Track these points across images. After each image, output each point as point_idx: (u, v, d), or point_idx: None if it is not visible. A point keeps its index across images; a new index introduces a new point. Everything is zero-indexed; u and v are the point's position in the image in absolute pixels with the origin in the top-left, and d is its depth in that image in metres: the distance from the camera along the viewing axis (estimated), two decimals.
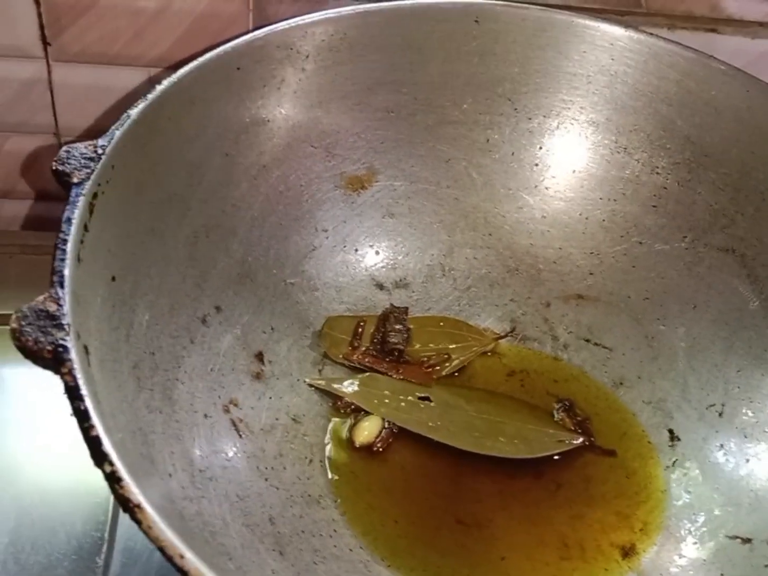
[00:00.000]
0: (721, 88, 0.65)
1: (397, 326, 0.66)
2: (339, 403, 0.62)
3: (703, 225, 0.68)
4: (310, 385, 0.62)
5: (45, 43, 0.69)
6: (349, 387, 0.62)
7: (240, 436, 0.55)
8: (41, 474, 0.61)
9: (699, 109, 0.67)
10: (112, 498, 0.59)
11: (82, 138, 0.75)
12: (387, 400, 0.62)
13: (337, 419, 0.61)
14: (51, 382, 0.64)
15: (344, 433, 0.60)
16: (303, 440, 0.59)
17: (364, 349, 0.65)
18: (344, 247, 0.69)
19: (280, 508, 0.53)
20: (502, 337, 0.68)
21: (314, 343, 0.65)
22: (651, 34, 0.67)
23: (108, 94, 0.73)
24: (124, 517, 0.59)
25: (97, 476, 0.61)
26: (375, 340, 0.66)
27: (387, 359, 0.65)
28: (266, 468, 0.55)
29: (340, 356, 0.65)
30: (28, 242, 0.79)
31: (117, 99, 0.73)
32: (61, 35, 0.68)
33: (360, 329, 0.66)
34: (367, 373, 0.64)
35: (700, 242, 0.67)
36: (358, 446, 0.60)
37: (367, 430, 0.60)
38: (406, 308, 0.68)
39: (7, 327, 0.67)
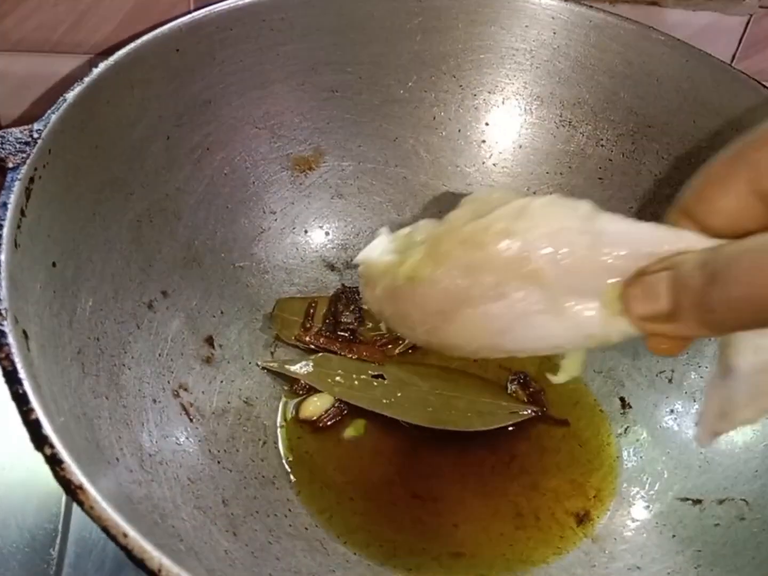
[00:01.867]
0: (662, 59, 0.66)
1: (350, 306, 0.66)
2: (296, 386, 0.62)
3: (648, 195, 0.68)
4: (263, 368, 0.62)
5: None
6: (302, 368, 0.62)
7: (191, 420, 0.55)
8: None
9: (641, 81, 0.67)
10: None
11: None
12: (340, 380, 0.62)
13: (288, 400, 0.61)
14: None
15: (291, 410, 0.60)
16: (256, 422, 0.59)
17: (316, 330, 0.65)
18: (293, 228, 0.68)
19: (234, 490, 0.53)
20: None
21: (265, 325, 0.65)
22: (591, 6, 0.67)
23: (49, 82, 0.72)
24: (77, 509, 0.59)
25: (47, 467, 0.62)
26: (327, 321, 0.66)
27: (340, 339, 0.65)
28: (219, 451, 0.55)
29: (293, 338, 0.64)
30: None
31: (59, 87, 0.72)
32: (0, 23, 0.67)
33: (312, 310, 0.66)
34: (320, 354, 0.64)
35: (645, 212, 0.68)
36: (302, 419, 0.60)
37: (313, 405, 0.60)
38: (358, 288, 0.67)
39: None
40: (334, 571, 0.52)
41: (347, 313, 0.66)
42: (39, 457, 0.60)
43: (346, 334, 0.65)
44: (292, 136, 0.67)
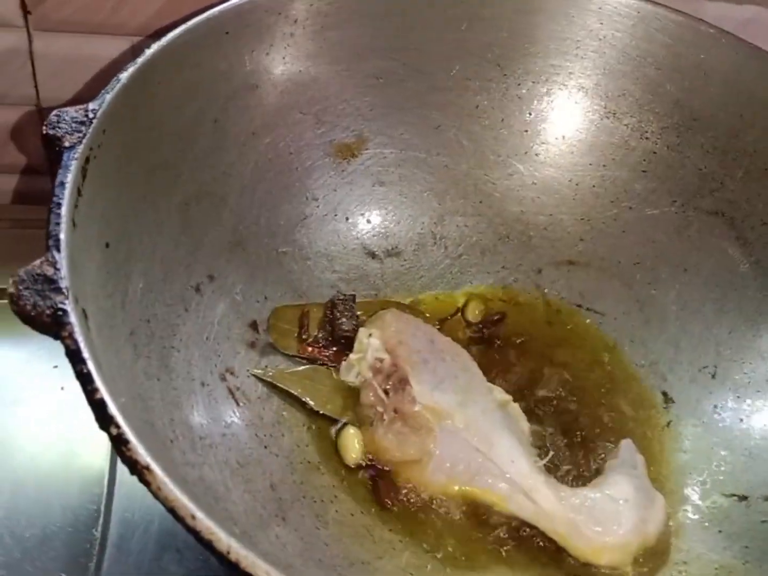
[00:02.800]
0: (710, 51, 0.65)
1: (346, 313, 0.63)
2: None
3: (692, 189, 0.68)
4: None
5: (25, 11, 0.67)
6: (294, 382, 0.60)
7: (237, 404, 0.55)
8: (36, 447, 0.60)
9: (688, 73, 0.67)
10: (107, 470, 0.60)
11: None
12: (330, 394, 0.60)
13: None
14: (42, 356, 0.66)
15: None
16: (300, 407, 0.59)
17: (311, 339, 0.62)
18: (335, 215, 0.68)
19: (281, 475, 0.53)
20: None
21: None
22: None
23: (90, 63, 0.71)
24: (120, 489, 0.59)
25: (91, 448, 0.62)
26: (325, 329, 0.63)
27: (335, 348, 0.62)
28: (265, 435, 0.55)
29: (289, 349, 0.61)
30: (12, 216, 0.78)
31: (99, 69, 0.72)
32: (42, 3, 0.67)
33: (305, 320, 0.63)
34: (309, 366, 0.61)
35: (689, 206, 0.67)
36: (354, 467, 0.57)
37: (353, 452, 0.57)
38: (353, 295, 0.65)
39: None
40: (381, 558, 0.52)
41: (345, 321, 0.63)
42: (81, 438, 0.62)
43: (342, 343, 0.63)
44: (336, 123, 0.67)
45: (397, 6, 0.66)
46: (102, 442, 0.60)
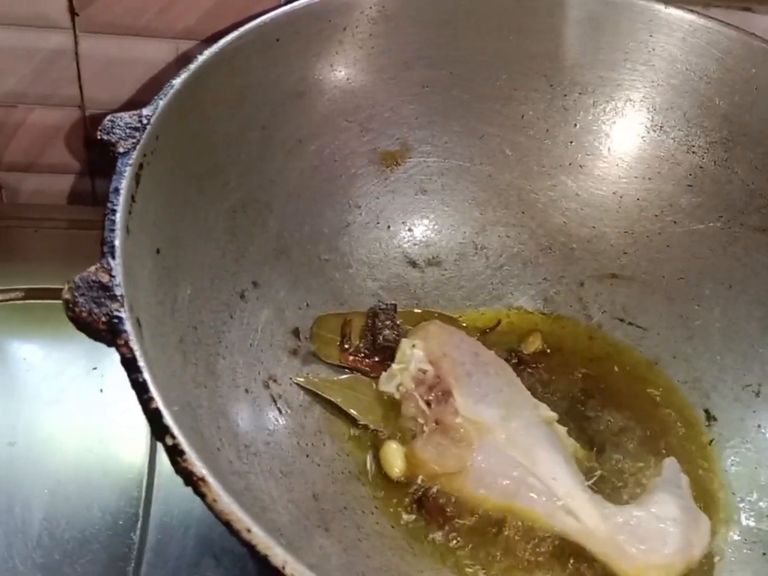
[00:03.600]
0: (762, 66, 0.65)
1: (387, 322, 0.63)
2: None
3: (739, 205, 0.67)
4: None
5: (73, 13, 0.68)
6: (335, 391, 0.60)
7: (280, 411, 0.55)
8: (76, 450, 0.61)
9: (738, 88, 0.66)
10: (146, 473, 0.60)
11: (106, 111, 0.74)
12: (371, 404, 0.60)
13: None
14: (82, 357, 0.66)
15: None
16: (341, 416, 0.58)
17: (353, 348, 0.62)
18: (377, 223, 0.68)
19: (323, 485, 0.53)
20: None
21: None
22: (691, 10, 0.66)
23: (135, 66, 0.71)
24: (158, 493, 0.59)
25: (130, 452, 0.62)
26: (366, 339, 0.63)
27: (377, 358, 0.62)
28: (307, 444, 0.55)
29: (331, 358, 0.61)
30: (51, 216, 0.78)
31: (143, 72, 0.72)
32: (89, 5, 0.67)
33: (348, 329, 0.63)
34: (352, 375, 0.61)
35: (735, 222, 0.67)
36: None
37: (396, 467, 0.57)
38: (395, 305, 0.65)
39: (44, 301, 0.69)
40: (422, 572, 0.51)
41: (386, 330, 0.63)
42: (120, 441, 0.62)
43: (386, 353, 0.62)
44: (381, 131, 0.67)
45: (446, 15, 0.66)
46: (141, 445, 0.61)
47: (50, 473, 0.59)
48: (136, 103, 0.72)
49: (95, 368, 0.65)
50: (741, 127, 0.66)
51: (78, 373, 0.65)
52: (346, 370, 0.61)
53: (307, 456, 0.54)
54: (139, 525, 0.57)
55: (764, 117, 0.65)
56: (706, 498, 0.57)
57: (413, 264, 0.69)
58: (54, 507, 0.58)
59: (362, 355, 0.62)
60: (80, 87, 0.73)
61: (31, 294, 0.70)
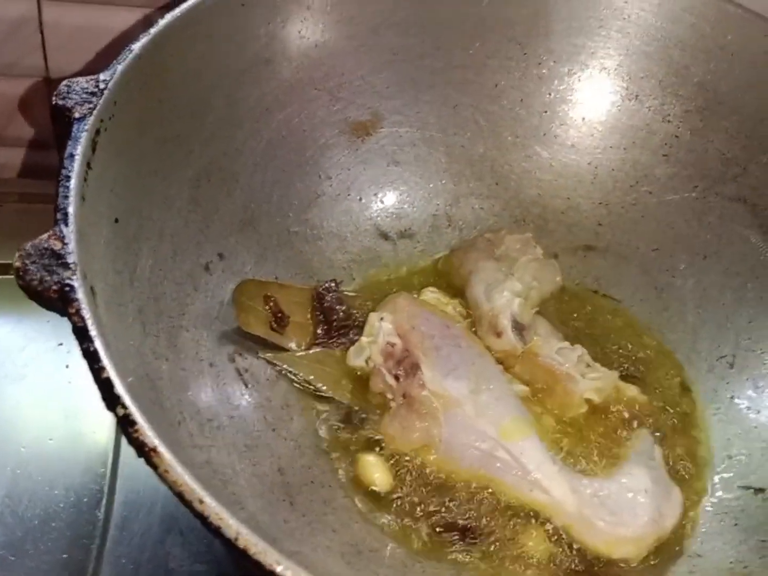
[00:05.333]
0: (738, 32, 0.64)
1: (335, 302, 0.60)
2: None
3: (714, 174, 0.66)
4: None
5: None
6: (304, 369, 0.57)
7: (246, 385, 0.54)
8: (39, 426, 0.60)
9: (714, 55, 0.65)
10: (111, 450, 0.59)
11: None
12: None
13: None
14: (47, 333, 0.65)
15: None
16: (309, 391, 0.57)
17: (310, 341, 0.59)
18: (348, 195, 0.67)
19: (289, 459, 0.52)
20: None
21: None
22: None
23: (100, 34, 0.70)
24: (123, 470, 0.58)
25: (95, 428, 0.61)
26: (319, 321, 0.59)
27: (337, 338, 0.59)
28: (273, 418, 0.53)
29: (251, 327, 0.56)
30: (18, 190, 0.76)
31: (110, 40, 0.70)
32: None
33: (270, 302, 0.58)
34: (320, 349, 0.59)
35: (710, 192, 0.66)
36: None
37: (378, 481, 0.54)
38: (335, 281, 0.61)
39: (7, 276, 0.67)
40: (388, 545, 0.50)
41: (338, 311, 0.60)
42: (84, 417, 0.61)
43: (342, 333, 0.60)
44: (351, 100, 0.65)
45: None
46: (106, 422, 0.60)
47: (14, 450, 0.58)
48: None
49: (61, 344, 0.64)
50: (716, 95, 0.65)
51: (43, 349, 0.64)
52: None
53: (273, 430, 0.53)
54: (103, 502, 0.56)
55: (739, 84, 0.64)
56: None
57: (385, 236, 0.68)
58: (17, 484, 0.57)
59: (324, 340, 0.59)
60: (45, 56, 0.72)
61: None
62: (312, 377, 0.57)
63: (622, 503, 0.51)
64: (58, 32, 0.70)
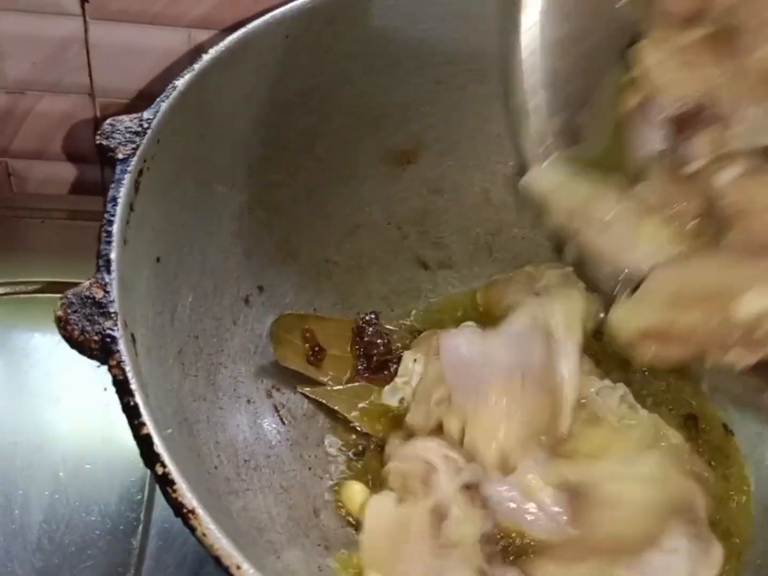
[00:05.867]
0: None
1: (374, 336, 0.60)
2: None
3: None
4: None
5: (83, 0, 0.66)
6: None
7: (283, 422, 0.54)
8: (77, 450, 0.60)
9: None
10: (148, 477, 0.59)
11: (117, 99, 0.73)
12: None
13: None
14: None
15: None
16: (348, 426, 0.57)
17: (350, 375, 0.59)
18: (388, 224, 0.66)
19: (324, 499, 0.52)
20: None
21: None
22: None
23: (146, 54, 0.70)
24: (160, 498, 0.58)
25: (133, 454, 0.61)
26: (359, 355, 0.59)
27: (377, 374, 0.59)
28: (309, 456, 0.53)
29: (287, 361, 0.57)
30: (59, 206, 0.77)
31: (155, 60, 0.70)
32: None
33: (308, 335, 0.59)
34: (358, 384, 0.59)
35: None
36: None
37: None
38: (376, 313, 0.62)
39: (50, 295, 0.68)
40: None
41: (380, 348, 0.59)
42: (122, 443, 0.61)
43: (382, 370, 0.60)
44: (393, 128, 0.65)
45: (464, 4, 0.63)
46: None
47: (51, 474, 0.59)
48: (146, 93, 0.71)
49: (99, 366, 0.64)
50: None
51: (82, 370, 0.64)
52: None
53: (309, 468, 0.53)
54: (139, 530, 0.57)
55: None
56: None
57: (425, 266, 0.67)
58: (54, 510, 0.57)
59: (364, 375, 0.59)
60: (90, 75, 0.72)
61: (37, 288, 0.69)
62: (349, 413, 0.56)
63: (654, 567, 0.49)
64: (103, 51, 0.70)
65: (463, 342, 0.56)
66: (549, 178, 0.47)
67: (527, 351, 0.53)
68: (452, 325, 0.62)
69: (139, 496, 0.58)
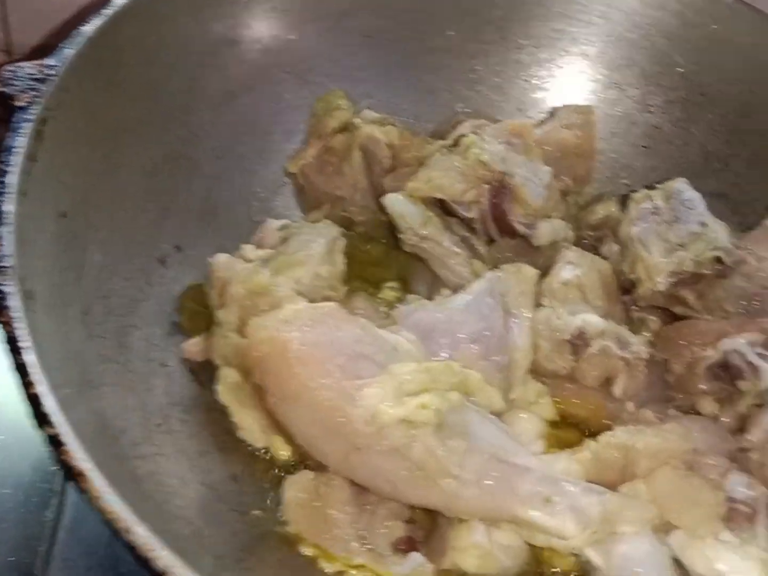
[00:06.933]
0: (724, 22, 0.61)
1: None
2: None
3: (695, 168, 0.64)
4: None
5: None
6: None
7: (202, 385, 0.51)
8: None
9: (698, 45, 0.62)
10: None
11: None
12: None
13: None
14: None
15: None
16: None
17: None
18: None
19: (245, 465, 0.49)
20: None
21: None
22: None
23: (68, 10, 0.67)
24: None
25: None
26: None
27: None
28: (230, 421, 0.51)
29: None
30: None
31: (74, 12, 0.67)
32: None
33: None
34: None
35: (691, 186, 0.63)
36: None
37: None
38: None
39: None
40: None
41: None
42: None
43: None
44: (321, 83, 0.63)
45: None
46: None
47: None
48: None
49: None
50: (700, 86, 0.63)
51: None
52: None
53: (228, 434, 0.50)
54: (54, 503, 0.54)
55: (724, 75, 0.62)
56: None
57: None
58: None
59: None
60: (7, 30, 0.69)
61: None
62: None
63: None
64: (21, 6, 0.67)
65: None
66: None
67: (487, 319, 0.51)
68: None
69: (54, 468, 0.56)
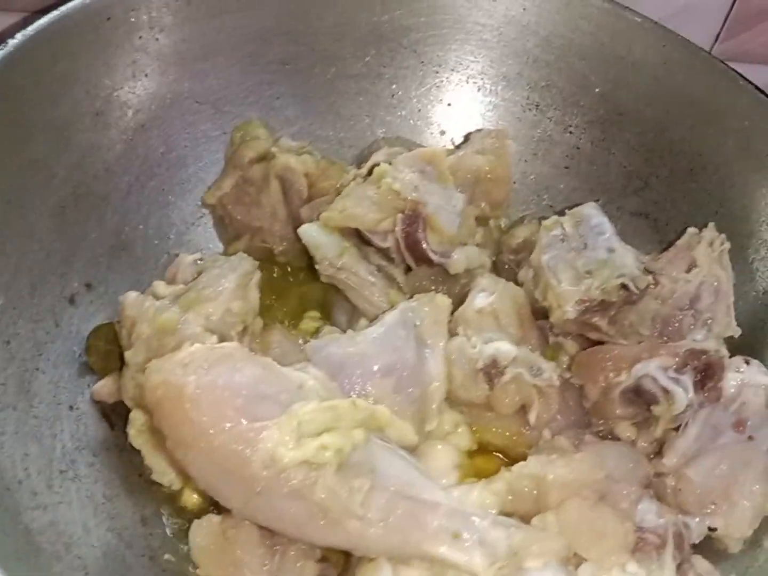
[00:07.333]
0: (638, 42, 0.61)
1: None
2: None
3: (616, 187, 0.64)
4: None
5: None
6: None
7: (112, 427, 0.51)
8: None
9: (613, 64, 0.63)
10: None
11: None
12: None
13: None
14: None
15: None
16: None
17: None
18: None
19: (155, 507, 0.49)
20: None
21: None
22: None
23: None
24: None
25: None
26: None
27: None
28: (142, 462, 0.50)
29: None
30: None
31: None
32: None
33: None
34: None
35: (613, 206, 0.64)
36: None
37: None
38: None
39: None
40: None
41: None
42: None
43: None
44: (237, 112, 0.62)
45: None
46: None
47: None
48: None
49: None
50: (617, 106, 0.63)
51: None
52: None
53: (140, 475, 0.50)
54: None
55: (640, 95, 0.62)
56: None
57: None
58: None
59: None
60: None
61: None
62: None
63: None
64: None
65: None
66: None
67: (399, 351, 0.51)
68: None
69: None
